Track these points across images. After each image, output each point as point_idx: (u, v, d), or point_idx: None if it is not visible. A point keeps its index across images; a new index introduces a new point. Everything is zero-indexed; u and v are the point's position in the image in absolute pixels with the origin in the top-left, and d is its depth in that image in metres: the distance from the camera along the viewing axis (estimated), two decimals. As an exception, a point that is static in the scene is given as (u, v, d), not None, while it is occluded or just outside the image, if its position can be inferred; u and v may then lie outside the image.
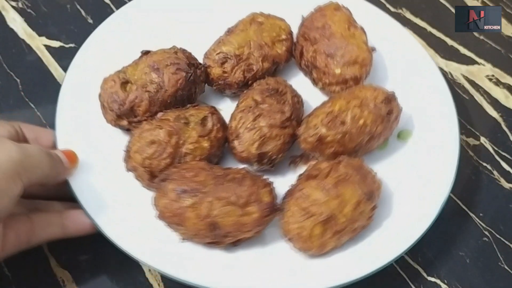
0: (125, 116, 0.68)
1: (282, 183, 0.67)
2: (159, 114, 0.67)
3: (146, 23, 0.81)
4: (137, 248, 0.62)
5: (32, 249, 0.61)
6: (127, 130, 0.70)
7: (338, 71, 0.73)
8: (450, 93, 0.76)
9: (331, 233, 0.61)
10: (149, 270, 0.67)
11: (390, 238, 0.65)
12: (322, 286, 0.61)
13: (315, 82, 0.76)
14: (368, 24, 0.76)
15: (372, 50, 0.74)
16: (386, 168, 0.70)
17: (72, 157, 0.65)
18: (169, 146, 0.64)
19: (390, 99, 0.68)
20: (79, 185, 0.65)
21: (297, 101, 0.71)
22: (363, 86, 0.70)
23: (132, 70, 0.69)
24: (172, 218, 0.60)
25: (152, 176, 0.64)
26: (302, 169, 0.71)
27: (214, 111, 0.69)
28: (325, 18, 0.75)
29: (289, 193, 0.64)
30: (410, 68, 0.79)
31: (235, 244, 0.63)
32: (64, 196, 0.66)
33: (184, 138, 0.65)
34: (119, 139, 0.70)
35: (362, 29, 0.75)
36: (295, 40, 0.78)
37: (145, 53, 0.71)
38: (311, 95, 0.76)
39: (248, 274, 0.63)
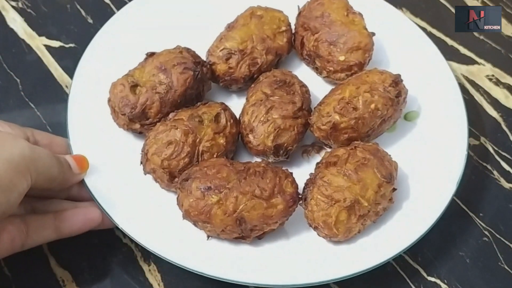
0: (137, 119, 0.67)
1: (298, 173, 0.67)
2: (171, 115, 0.67)
3: (147, 22, 0.81)
4: (165, 248, 0.62)
5: (32, 249, 0.61)
6: (139, 133, 0.69)
7: (342, 58, 0.73)
8: (449, 68, 0.77)
9: (356, 218, 0.62)
10: (149, 270, 0.67)
11: (412, 219, 0.66)
12: (349, 272, 0.62)
13: (318, 71, 0.76)
14: (362, 8, 0.77)
15: (372, 35, 0.75)
16: (397, 150, 0.71)
17: (82, 163, 0.65)
18: (186, 145, 0.64)
19: (397, 81, 0.69)
20: (100, 192, 0.65)
21: (306, 91, 0.71)
22: (369, 71, 0.70)
23: (140, 73, 0.69)
24: (198, 216, 0.60)
25: (171, 176, 0.64)
26: (315, 158, 0.72)
27: (226, 107, 0.69)
28: (323, 6, 0.76)
29: (310, 182, 0.64)
30: (407, 49, 0.80)
31: (260, 237, 0.64)
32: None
33: (200, 136, 0.65)
34: (131, 142, 0.70)
35: (360, 14, 0.76)
36: (293, 31, 0.78)
37: (150, 54, 0.70)
38: (315, 84, 0.76)
39: (276, 266, 0.63)
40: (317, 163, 0.66)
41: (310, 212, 0.63)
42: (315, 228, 0.63)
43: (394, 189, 0.65)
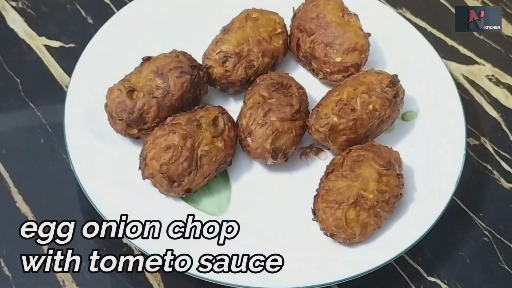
0: (134, 124, 0.67)
1: (296, 175, 0.68)
2: (169, 119, 0.66)
3: (146, 23, 0.81)
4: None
5: (32, 249, 0.63)
6: (137, 138, 0.69)
7: (338, 59, 0.73)
8: (446, 66, 0.77)
9: (366, 212, 0.62)
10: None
11: (412, 220, 0.66)
12: (351, 274, 0.62)
13: (315, 72, 0.76)
14: (357, 9, 0.77)
15: (367, 35, 0.75)
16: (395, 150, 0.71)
17: None
18: (185, 149, 0.64)
19: (394, 82, 0.69)
20: (99, 198, 0.65)
21: (303, 93, 0.71)
22: (366, 72, 0.70)
23: (136, 77, 0.68)
24: None
25: (170, 181, 0.64)
26: (314, 160, 0.72)
27: (223, 111, 0.69)
28: (319, 8, 0.75)
29: (316, 196, 0.65)
30: (403, 49, 0.80)
31: None
32: None
33: (199, 140, 0.65)
34: (129, 148, 0.70)
35: (355, 15, 0.75)
36: (289, 32, 0.78)
37: (146, 59, 0.70)
38: (312, 86, 0.76)
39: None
40: (321, 178, 0.66)
41: (321, 222, 0.63)
42: (332, 236, 0.63)
43: (400, 175, 0.65)
